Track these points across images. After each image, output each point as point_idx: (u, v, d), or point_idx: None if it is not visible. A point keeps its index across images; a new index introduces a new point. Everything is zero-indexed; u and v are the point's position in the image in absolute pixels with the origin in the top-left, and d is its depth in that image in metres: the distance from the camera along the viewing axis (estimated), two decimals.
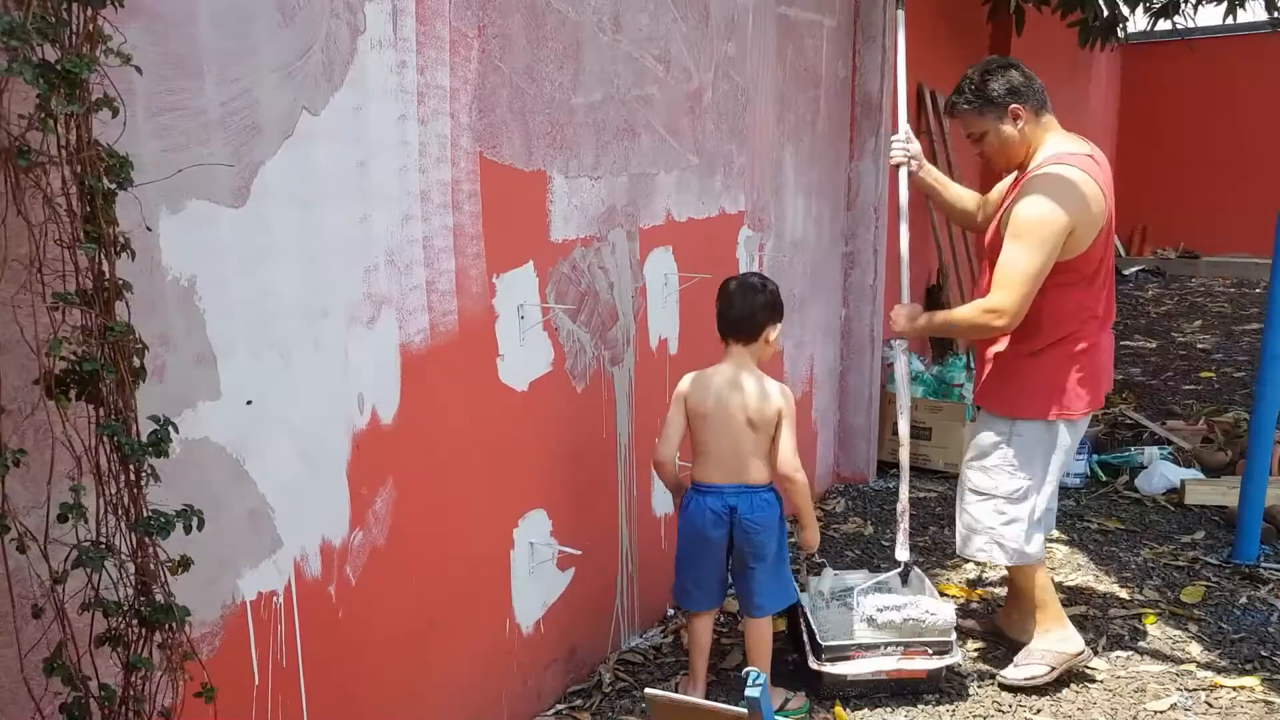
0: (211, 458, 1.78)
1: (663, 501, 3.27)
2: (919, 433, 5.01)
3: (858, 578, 3.17)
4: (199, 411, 1.74)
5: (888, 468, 4.98)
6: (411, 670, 2.28)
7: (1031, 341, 2.77)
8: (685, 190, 3.21)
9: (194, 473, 1.72)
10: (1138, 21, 6.41)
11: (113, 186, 1.40)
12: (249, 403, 1.84)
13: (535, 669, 2.74)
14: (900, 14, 3.45)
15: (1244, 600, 3.40)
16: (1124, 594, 3.49)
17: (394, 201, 2.12)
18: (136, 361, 1.46)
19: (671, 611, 3.39)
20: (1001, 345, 2.85)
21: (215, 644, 1.80)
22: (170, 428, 1.46)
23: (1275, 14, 5.88)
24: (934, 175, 3.24)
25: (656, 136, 3.01)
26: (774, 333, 2.66)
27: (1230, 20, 6.34)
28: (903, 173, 3.21)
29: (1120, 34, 6.07)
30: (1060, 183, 2.66)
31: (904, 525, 3.10)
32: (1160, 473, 4.59)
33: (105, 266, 1.40)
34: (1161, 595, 3.47)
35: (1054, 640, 2.89)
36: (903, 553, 3.11)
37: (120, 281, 1.43)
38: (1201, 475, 4.59)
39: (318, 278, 1.96)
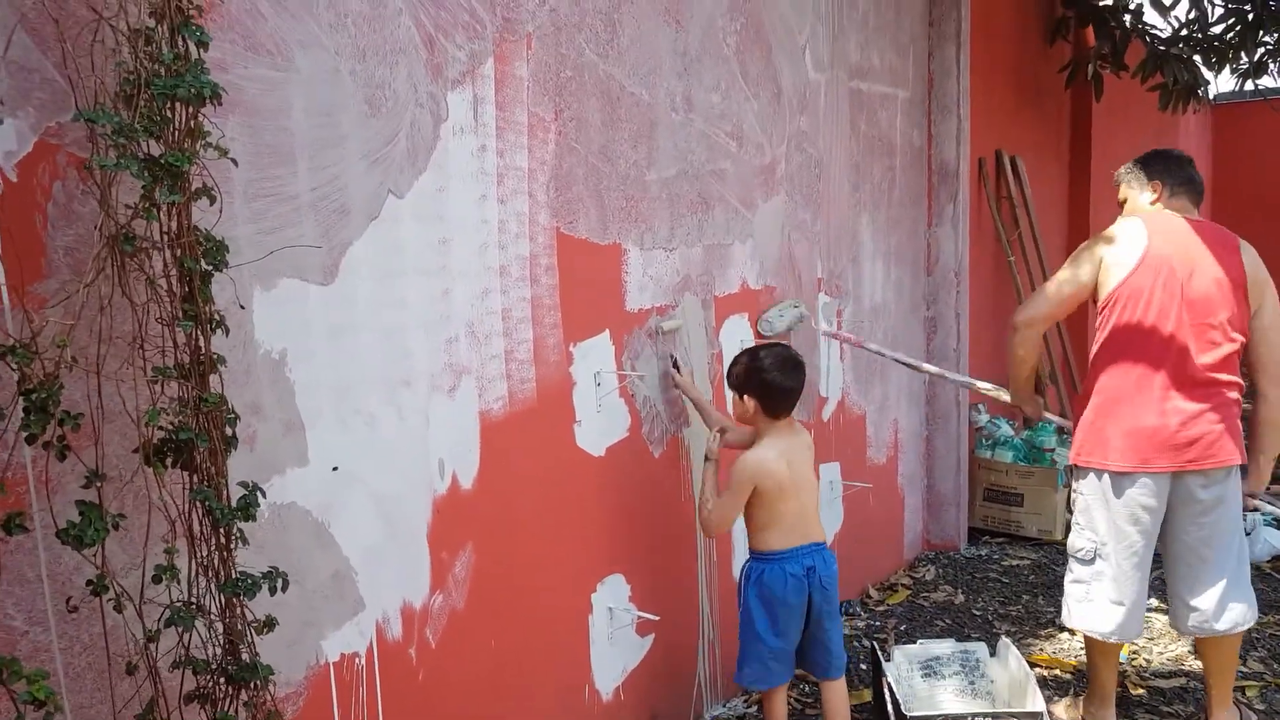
0: (298, 522, 1.86)
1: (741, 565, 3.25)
2: (1010, 498, 4.89)
3: (945, 647, 3.08)
4: (287, 477, 1.84)
5: (978, 535, 4.86)
6: None
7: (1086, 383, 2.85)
8: (760, 258, 3.25)
9: (281, 536, 1.81)
10: (1220, 84, 6.30)
11: (209, 268, 1.52)
12: (335, 469, 1.93)
13: None
14: None
15: None
16: None
17: (474, 276, 2.22)
18: (229, 430, 1.56)
19: None
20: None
21: (299, 704, 1.86)
22: (259, 493, 1.55)
23: None
24: None
25: (730, 208, 3.07)
26: None
27: None
28: None
29: (1202, 96, 5.96)
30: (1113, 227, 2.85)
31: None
32: (1264, 539, 4.37)
33: (201, 342, 1.51)
34: (1266, 667, 3.28)
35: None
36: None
37: (215, 355, 1.53)
38: None
39: (401, 349, 2.05)
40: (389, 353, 2.04)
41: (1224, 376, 2.69)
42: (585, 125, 2.50)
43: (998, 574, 4.36)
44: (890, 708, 2.75)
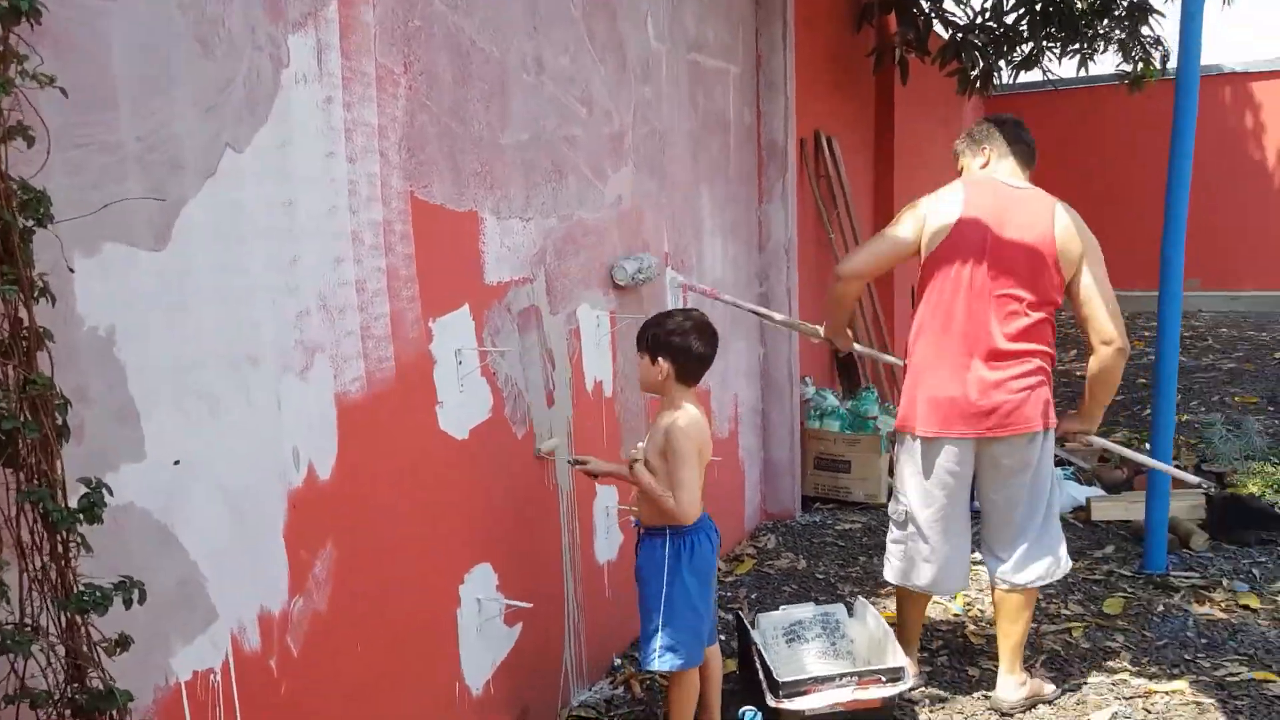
0: (137, 524, 1.61)
1: (604, 548, 3.17)
2: (838, 465, 5.05)
3: (806, 611, 3.12)
4: (122, 474, 1.58)
5: (811, 502, 4.99)
6: None
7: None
8: (615, 231, 3.16)
9: (118, 542, 1.55)
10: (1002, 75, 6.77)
11: (30, 224, 1.27)
12: (176, 462, 1.68)
13: None
14: None
15: (1161, 608, 3.49)
16: (1051, 609, 3.54)
17: (324, 243, 2.00)
18: (59, 419, 1.31)
19: (619, 661, 3.27)
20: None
21: None
22: (104, 490, 1.31)
23: (1121, 68, 6.38)
24: None
25: (582, 178, 2.96)
26: None
27: (1083, 72, 6.79)
28: None
29: (996, 83, 6.39)
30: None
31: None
32: (1066, 492, 4.73)
33: (24, 313, 1.26)
34: (1085, 609, 3.54)
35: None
36: None
37: (41, 329, 1.28)
38: (1104, 492, 4.74)
39: (247, 323, 1.82)
40: (233, 328, 1.80)
41: (1026, 346, 2.76)
42: (436, 81, 2.32)
43: (833, 538, 4.49)
44: (761, 674, 2.74)
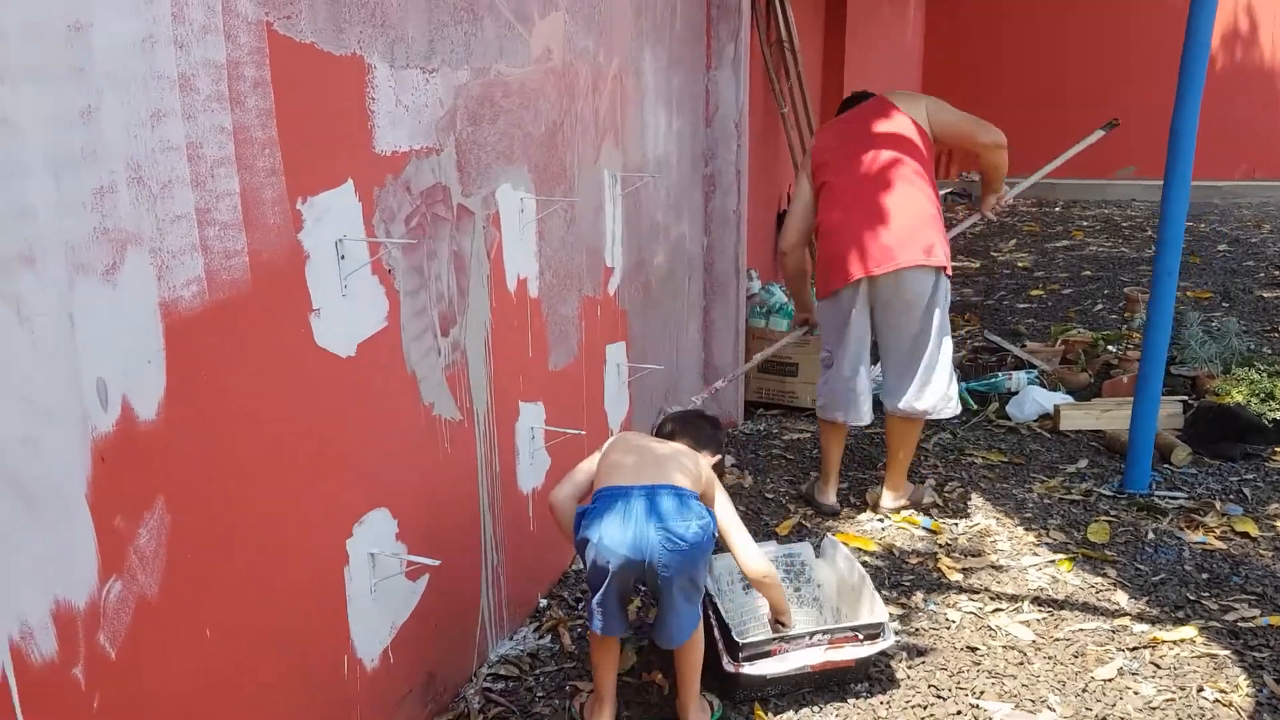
0: None
1: (529, 474, 2.70)
2: (785, 369, 4.63)
3: (765, 550, 2.72)
4: None
5: (754, 408, 4.59)
6: None
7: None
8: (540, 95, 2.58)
9: None
10: None
11: None
12: None
13: (384, 709, 2.14)
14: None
15: (1151, 535, 3.18)
16: (1031, 538, 3.21)
17: (137, 89, 1.40)
18: None
19: (545, 603, 2.84)
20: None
21: None
22: None
23: None
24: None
25: (502, 22, 2.36)
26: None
27: None
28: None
29: None
30: None
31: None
32: (1032, 398, 4.40)
33: None
34: (1068, 536, 3.21)
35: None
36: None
37: None
38: (1071, 399, 4.43)
39: (14, 206, 1.24)
40: None
41: (910, 197, 3.18)
42: None
43: (781, 450, 4.11)
44: (717, 633, 2.34)
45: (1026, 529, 3.27)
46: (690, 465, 2.19)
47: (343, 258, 1.86)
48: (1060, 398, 4.38)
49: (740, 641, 2.26)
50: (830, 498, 3.48)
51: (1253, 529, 3.15)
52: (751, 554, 2.24)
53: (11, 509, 1.28)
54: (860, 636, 2.33)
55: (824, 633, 2.32)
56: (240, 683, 1.69)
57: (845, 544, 2.77)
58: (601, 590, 2.06)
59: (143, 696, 1.49)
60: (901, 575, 2.99)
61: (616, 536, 2.02)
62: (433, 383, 2.21)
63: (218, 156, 1.56)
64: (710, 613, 2.36)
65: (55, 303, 1.32)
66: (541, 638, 2.68)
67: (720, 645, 2.31)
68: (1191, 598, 2.80)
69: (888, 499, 3.44)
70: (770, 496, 3.64)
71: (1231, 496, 3.41)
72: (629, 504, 2.05)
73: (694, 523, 2.04)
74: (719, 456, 2.44)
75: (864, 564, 2.97)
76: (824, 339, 3.45)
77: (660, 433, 2.48)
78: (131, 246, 1.42)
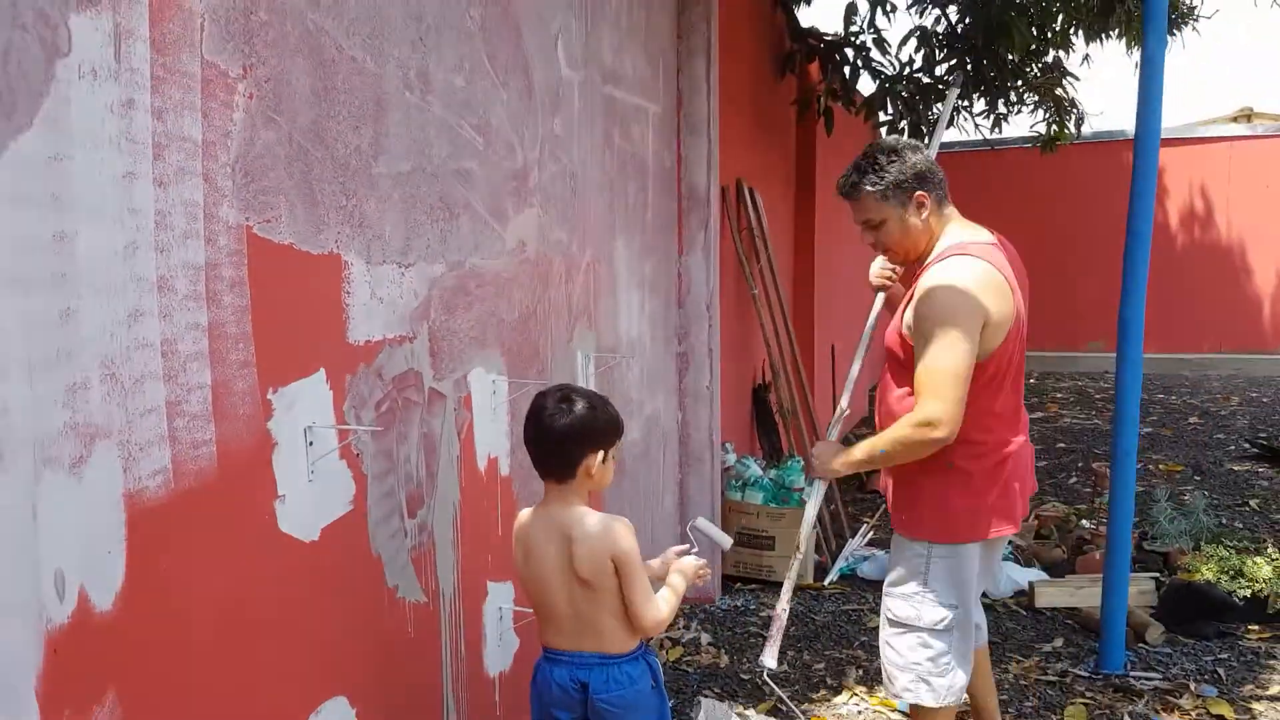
0: None
1: (496, 658, 2.66)
2: (762, 542, 4.63)
3: None
4: None
5: (732, 582, 4.56)
6: None
7: (945, 454, 2.37)
8: (515, 282, 2.71)
9: None
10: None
11: None
12: None
13: None
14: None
15: (1126, 719, 3.12)
16: (1005, 718, 3.15)
17: (116, 292, 1.49)
18: None
19: None
20: None
21: None
22: None
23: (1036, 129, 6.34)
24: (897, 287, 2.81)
25: (478, 219, 2.51)
26: (596, 462, 2.05)
27: (998, 134, 6.72)
28: (879, 297, 2.83)
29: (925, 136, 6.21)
30: (967, 272, 2.35)
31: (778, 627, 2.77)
32: (1008, 575, 4.39)
33: None
34: None
35: None
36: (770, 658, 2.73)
37: None
38: (1045, 575, 4.42)
39: None
40: None
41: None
42: (289, 91, 1.85)
43: (758, 628, 4.05)
44: None
45: (1003, 711, 3.20)
46: (603, 579, 2.01)
47: (311, 444, 1.91)
48: (1035, 574, 4.38)
49: None
50: None
51: (1228, 712, 3.10)
52: (642, 615, 2.01)
53: None
54: None
55: None
56: None
57: None
58: None
59: None
60: None
61: None
62: (398, 565, 2.22)
63: (191, 351, 1.64)
64: None
65: (20, 495, 1.35)
66: None
67: None
68: None
69: None
70: (746, 679, 3.56)
71: (1206, 677, 3.37)
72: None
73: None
74: (604, 447, 2.08)
75: None
76: (944, 593, 2.44)
77: (535, 450, 2.08)
78: (100, 440, 1.47)
